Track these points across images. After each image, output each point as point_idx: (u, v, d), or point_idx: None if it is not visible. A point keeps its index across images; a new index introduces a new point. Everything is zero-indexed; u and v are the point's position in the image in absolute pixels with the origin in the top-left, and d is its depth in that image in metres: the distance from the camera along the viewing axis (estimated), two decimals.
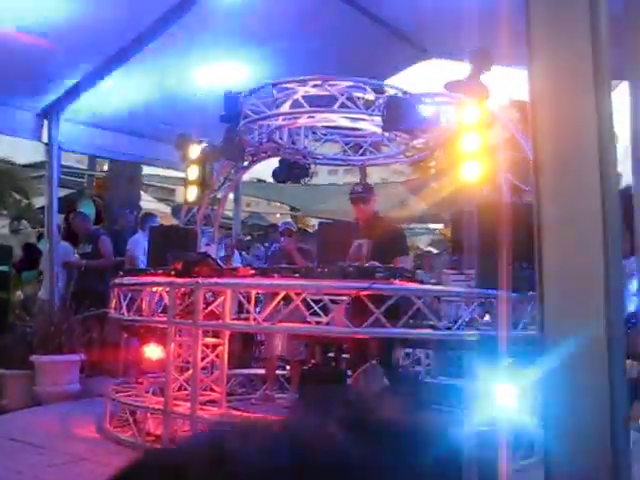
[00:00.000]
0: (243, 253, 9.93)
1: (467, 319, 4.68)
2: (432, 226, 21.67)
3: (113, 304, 5.87)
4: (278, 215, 21.09)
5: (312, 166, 7.42)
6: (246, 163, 7.43)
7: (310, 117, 6.37)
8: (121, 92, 8.10)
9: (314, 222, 17.14)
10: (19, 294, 11.06)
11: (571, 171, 1.73)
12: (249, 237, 13.08)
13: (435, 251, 16.06)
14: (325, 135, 7.10)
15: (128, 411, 5.33)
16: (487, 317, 5.09)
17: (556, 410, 1.70)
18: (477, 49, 5.86)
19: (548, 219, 1.71)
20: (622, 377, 1.67)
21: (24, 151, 16.38)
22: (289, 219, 13.06)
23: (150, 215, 9.79)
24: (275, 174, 7.46)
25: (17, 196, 19.28)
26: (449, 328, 4.61)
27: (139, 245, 8.63)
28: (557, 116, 1.78)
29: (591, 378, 1.63)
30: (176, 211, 11.76)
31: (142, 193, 14.24)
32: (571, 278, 1.69)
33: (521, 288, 4.80)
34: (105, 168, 15.27)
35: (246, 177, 12.61)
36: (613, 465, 1.60)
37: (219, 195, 8.07)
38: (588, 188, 1.68)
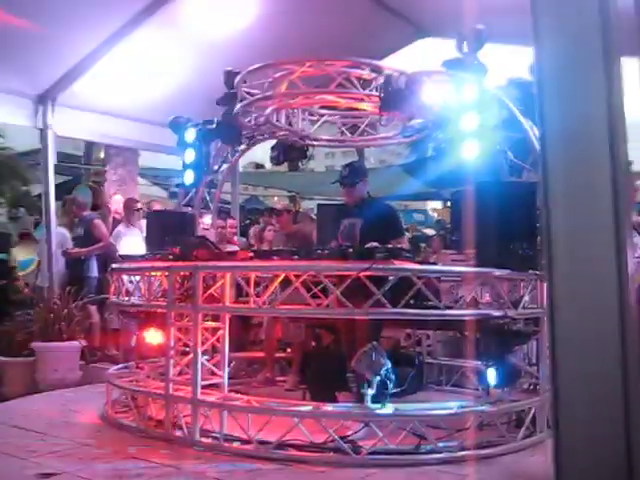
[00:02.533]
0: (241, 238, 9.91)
1: (467, 299, 4.66)
2: (430, 208, 21.65)
3: (112, 289, 5.85)
4: (276, 198, 21.04)
5: (310, 148, 7.36)
6: (243, 146, 7.38)
7: (307, 98, 6.31)
8: (117, 76, 8.04)
9: (312, 205, 17.09)
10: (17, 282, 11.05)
11: (580, 148, 1.70)
12: (247, 221, 13.04)
13: (432, 232, 16.05)
14: (322, 117, 7.04)
15: (129, 396, 5.33)
16: (487, 297, 5.08)
17: (567, 379, 1.69)
18: (474, 27, 5.79)
19: (556, 196, 1.68)
20: (635, 345, 1.64)
21: (22, 138, 16.28)
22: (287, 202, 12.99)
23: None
24: (273, 157, 7.41)
25: (15, 183, 19.19)
26: (449, 308, 4.59)
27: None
28: (565, 92, 1.75)
29: (602, 346, 1.62)
30: (173, 195, 11.74)
31: (139, 178, 14.17)
32: (581, 249, 1.66)
33: (520, 266, 4.79)
34: (101, 155, 15.19)
35: (244, 161, 12.57)
36: (625, 433, 1.58)
37: (216, 180, 8.03)
38: (597, 164, 1.65)
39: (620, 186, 1.62)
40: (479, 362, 5.26)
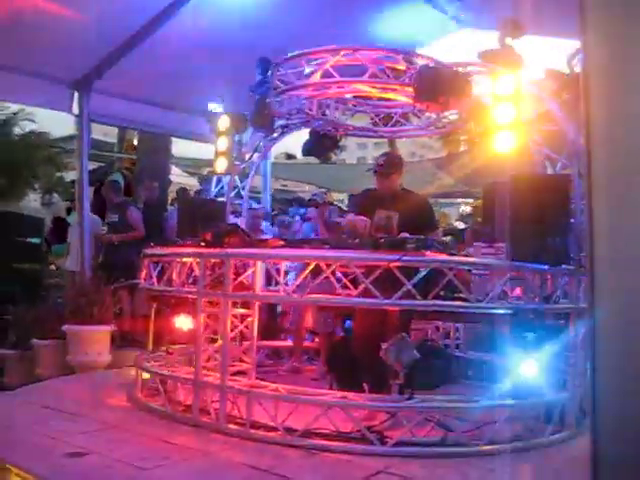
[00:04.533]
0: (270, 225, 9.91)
1: (498, 292, 4.62)
2: (461, 201, 21.49)
3: (143, 275, 5.90)
4: (307, 187, 21.00)
5: (341, 138, 7.34)
6: (276, 134, 7.38)
7: (340, 88, 6.28)
8: (152, 64, 8.09)
9: (342, 197, 17.06)
10: (51, 267, 11.22)
11: (628, 145, 1.66)
12: (276, 211, 13.06)
13: (463, 226, 15.95)
14: (355, 106, 7.02)
15: (159, 381, 5.38)
16: (518, 291, 5.04)
17: (605, 376, 1.66)
18: (509, 18, 5.72)
19: (600, 189, 1.65)
20: None
21: (58, 124, 16.46)
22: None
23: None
24: (305, 147, 7.40)
25: (49, 169, 19.43)
26: (480, 301, 4.56)
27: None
28: (614, 86, 1.71)
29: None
30: (204, 182, 11.79)
31: (172, 167, 14.29)
32: (622, 239, 1.63)
33: (553, 261, 4.72)
34: (135, 143, 15.31)
35: (276, 151, 12.57)
36: None
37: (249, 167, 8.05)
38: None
39: None
40: (508, 356, 5.22)
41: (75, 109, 8.29)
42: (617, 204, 1.67)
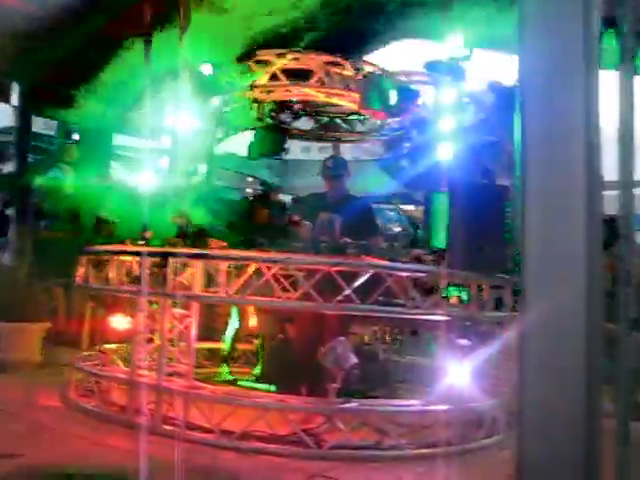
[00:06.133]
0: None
1: (436, 299, 4.71)
2: (403, 207, 21.71)
3: (80, 272, 5.79)
4: (249, 190, 20.91)
5: (286, 141, 7.36)
6: (220, 134, 7.35)
7: (287, 91, 6.31)
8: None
9: (288, 199, 17.03)
10: None
11: (558, 152, 1.74)
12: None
13: (404, 232, 16.14)
14: (301, 110, 7.05)
15: (93, 380, 5.29)
16: (454, 298, 5.14)
17: (532, 378, 1.73)
18: (452, 32, 5.85)
19: (532, 199, 1.72)
20: (599, 347, 1.69)
21: None
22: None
23: None
24: (250, 148, 7.39)
25: None
26: (417, 307, 4.63)
27: None
28: (546, 98, 1.79)
29: (568, 346, 1.67)
30: None
31: (112, 162, 14.02)
32: (553, 256, 1.70)
33: (489, 269, 4.84)
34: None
35: (220, 150, 12.46)
36: (587, 441, 1.63)
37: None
38: (573, 169, 1.69)
39: (594, 195, 1.67)
40: (444, 362, 5.31)
41: (14, 100, 8.09)
42: (548, 219, 1.74)
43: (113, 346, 5.87)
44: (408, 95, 5.52)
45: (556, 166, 1.76)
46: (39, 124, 16.02)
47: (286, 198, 17.02)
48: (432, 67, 5.64)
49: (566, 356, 1.70)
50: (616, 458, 1.87)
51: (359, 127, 7.31)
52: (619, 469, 1.86)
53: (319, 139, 8.16)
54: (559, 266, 1.73)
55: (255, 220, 7.83)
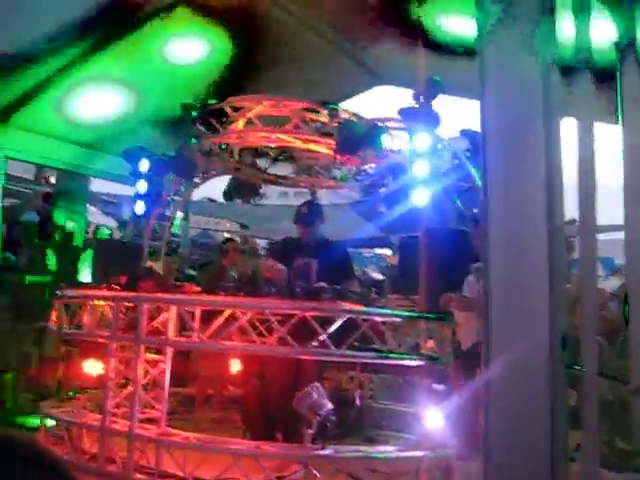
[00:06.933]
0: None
1: (411, 344, 4.70)
2: (379, 252, 21.82)
3: (54, 317, 5.72)
4: (226, 235, 20.93)
5: (262, 186, 7.41)
6: (197, 180, 7.38)
7: (263, 137, 6.37)
8: (72, 102, 7.98)
9: (263, 243, 17.06)
10: None
11: (519, 198, 1.77)
12: (197, 257, 12.95)
13: (381, 277, 16.18)
14: (279, 156, 7.12)
15: (63, 428, 5.18)
16: (431, 342, 5.13)
17: (499, 420, 1.73)
18: (428, 78, 5.96)
19: (496, 242, 1.75)
20: (563, 388, 1.70)
21: None
22: (237, 238, 12.93)
23: None
24: (225, 193, 7.43)
25: None
26: (392, 352, 4.62)
27: None
28: (508, 146, 1.83)
29: (533, 388, 1.67)
30: (123, 225, 11.59)
31: (90, 207, 13.99)
32: (517, 297, 1.73)
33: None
34: (52, 180, 14.93)
35: (197, 196, 12.49)
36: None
37: (168, 212, 8.00)
38: (535, 213, 1.72)
39: (556, 241, 1.70)
40: (421, 407, 5.28)
41: None
42: (508, 255, 1.76)
43: (85, 393, 5.78)
44: (380, 141, 5.60)
45: (517, 211, 1.80)
46: (17, 168, 16.01)
47: (262, 243, 17.10)
48: (406, 114, 5.72)
49: (531, 401, 1.71)
50: None
51: (335, 173, 7.39)
52: None
53: (295, 185, 8.22)
54: (522, 318, 1.75)
55: (227, 262, 7.84)
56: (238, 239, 11.81)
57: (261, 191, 7.14)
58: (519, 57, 1.82)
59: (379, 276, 17.24)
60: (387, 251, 19.24)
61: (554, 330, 1.66)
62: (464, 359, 4.01)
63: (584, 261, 1.79)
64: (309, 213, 5.87)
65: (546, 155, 1.74)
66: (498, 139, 1.84)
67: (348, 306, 4.59)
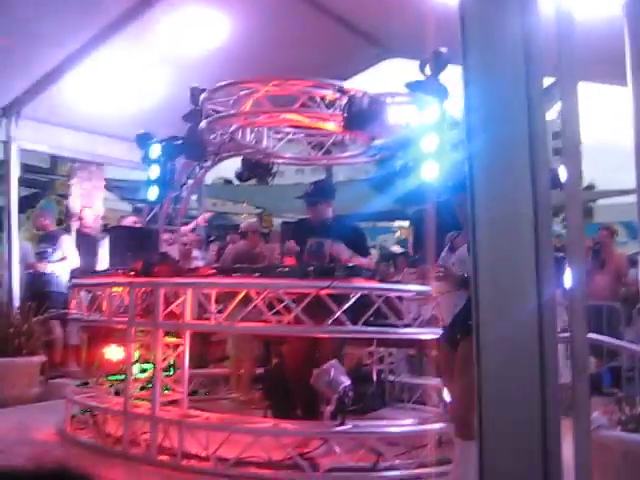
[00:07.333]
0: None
1: (426, 317, 4.72)
2: (397, 224, 21.75)
3: (73, 305, 5.81)
4: (244, 215, 20.95)
5: (276, 166, 7.39)
6: (209, 163, 7.38)
7: (271, 117, 6.35)
8: (84, 90, 8.01)
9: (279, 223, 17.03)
10: None
11: (503, 172, 1.77)
12: (213, 237, 12.99)
13: (400, 250, 16.14)
14: (289, 134, 7.09)
15: (88, 413, 5.28)
16: None
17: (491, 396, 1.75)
18: (436, 50, 5.88)
19: (481, 213, 1.76)
20: (554, 365, 1.72)
21: None
22: (254, 219, 12.96)
23: None
24: (238, 174, 7.43)
25: None
26: (408, 326, 4.64)
27: None
28: (490, 118, 1.82)
29: (523, 367, 1.69)
30: (137, 210, 11.65)
31: (107, 192, 14.05)
32: (504, 267, 1.73)
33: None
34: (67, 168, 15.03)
35: (213, 177, 12.50)
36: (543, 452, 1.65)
37: (182, 195, 8.01)
38: (520, 189, 1.72)
39: (540, 209, 1.70)
40: (439, 380, 5.31)
41: (2, 135, 8.13)
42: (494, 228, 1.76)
43: (109, 377, 5.87)
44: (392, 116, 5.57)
45: (502, 187, 1.79)
46: (34, 157, 16.14)
47: (277, 222, 17.09)
48: (413, 87, 5.66)
49: (522, 366, 1.72)
50: None
51: (348, 149, 7.34)
52: None
53: (310, 163, 8.21)
54: (508, 285, 1.76)
55: (248, 244, 7.88)
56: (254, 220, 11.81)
57: (276, 170, 7.06)
58: (502, 14, 1.81)
59: (397, 249, 17.19)
60: (404, 223, 19.18)
61: (543, 307, 1.66)
62: (446, 336, 4.01)
63: (571, 225, 1.79)
64: (313, 194, 5.84)
65: (529, 123, 1.73)
66: (480, 111, 1.83)
67: (362, 283, 4.61)
